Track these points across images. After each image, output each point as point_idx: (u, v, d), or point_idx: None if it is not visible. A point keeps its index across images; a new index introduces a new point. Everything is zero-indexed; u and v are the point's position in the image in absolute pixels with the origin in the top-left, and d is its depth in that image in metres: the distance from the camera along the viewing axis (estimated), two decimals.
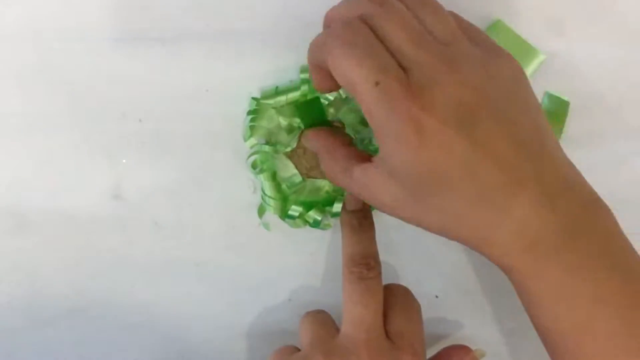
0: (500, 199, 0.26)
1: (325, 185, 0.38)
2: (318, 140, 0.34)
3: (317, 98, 0.36)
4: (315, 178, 0.37)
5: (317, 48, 0.30)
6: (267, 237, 0.38)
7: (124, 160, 0.37)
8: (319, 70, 0.30)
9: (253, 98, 0.37)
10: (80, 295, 0.38)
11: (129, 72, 0.37)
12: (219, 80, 0.37)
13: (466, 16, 0.37)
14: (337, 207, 0.37)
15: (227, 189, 0.38)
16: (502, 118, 0.27)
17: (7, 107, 0.37)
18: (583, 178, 0.29)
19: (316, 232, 0.38)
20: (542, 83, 0.38)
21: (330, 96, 0.37)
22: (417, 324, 0.33)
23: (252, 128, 0.37)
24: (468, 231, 0.28)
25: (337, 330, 0.33)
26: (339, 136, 0.34)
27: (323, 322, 0.34)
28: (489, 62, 0.28)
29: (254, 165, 0.37)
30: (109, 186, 0.38)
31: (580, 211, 0.27)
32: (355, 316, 0.32)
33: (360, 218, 0.35)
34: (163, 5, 0.37)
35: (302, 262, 0.38)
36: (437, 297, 0.39)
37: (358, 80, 0.26)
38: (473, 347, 0.35)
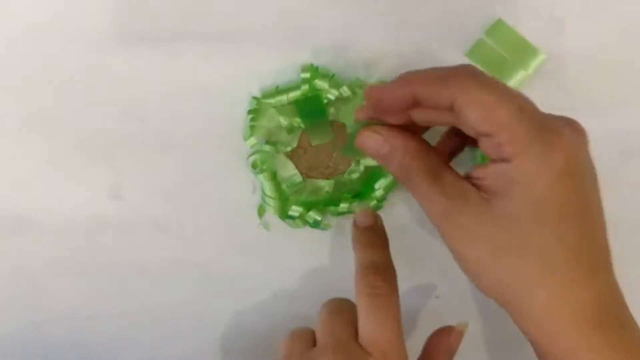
0: (581, 277, 0.27)
1: (325, 185, 0.37)
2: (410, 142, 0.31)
3: (318, 95, 0.36)
4: (316, 178, 0.37)
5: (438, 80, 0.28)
6: (267, 237, 0.38)
7: (124, 161, 0.37)
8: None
9: (254, 97, 0.37)
10: (80, 295, 0.38)
11: (129, 72, 0.37)
12: (219, 80, 0.37)
13: (466, 16, 0.37)
14: (343, 206, 0.37)
15: (227, 189, 0.38)
16: (600, 211, 0.28)
17: (7, 107, 0.37)
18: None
19: (316, 232, 0.38)
20: (542, 83, 0.38)
21: (331, 95, 0.37)
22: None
23: (252, 127, 0.37)
24: (534, 298, 0.27)
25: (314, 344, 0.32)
26: (433, 149, 0.31)
27: (300, 336, 0.32)
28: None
29: (254, 165, 0.37)
30: (109, 186, 0.38)
31: (628, 311, 0.29)
32: (368, 333, 0.30)
33: (371, 235, 0.33)
34: (163, 5, 0.37)
35: (302, 262, 0.38)
36: (437, 297, 0.39)
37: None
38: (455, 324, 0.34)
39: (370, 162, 0.37)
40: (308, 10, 0.37)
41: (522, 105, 0.26)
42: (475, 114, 0.26)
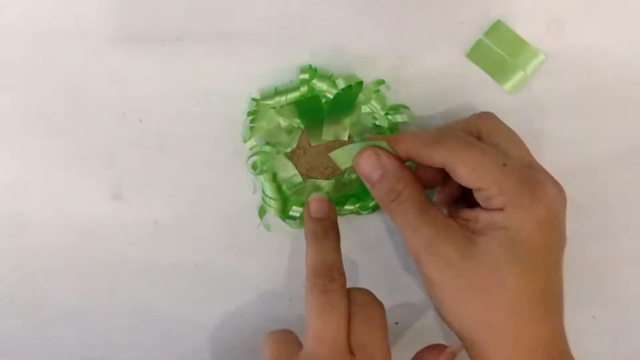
0: (540, 314, 0.30)
1: (325, 185, 0.38)
2: (404, 179, 0.32)
3: (317, 96, 0.36)
4: (316, 178, 0.37)
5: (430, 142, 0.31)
6: (267, 237, 0.38)
7: (124, 161, 0.37)
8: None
9: (253, 99, 0.37)
10: (80, 295, 0.38)
11: (129, 72, 0.37)
12: (219, 80, 0.37)
13: (466, 16, 0.37)
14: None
15: (227, 189, 0.38)
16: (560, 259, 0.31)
17: (7, 107, 0.37)
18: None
19: None
20: (542, 83, 0.38)
21: (330, 94, 0.37)
22: (379, 331, 0.31)
23: (251, 129, 0.37)
24: (501, 331, 0.30)
25: (300, 348, 0.32)
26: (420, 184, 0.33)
27: (284, 340, 0.32)
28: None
29: (254, 167, 0.37)
30: (109, 186, 0.38)
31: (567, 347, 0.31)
32: (317, 331, 0.31)
33: (326, 227, 0.34)
34: (163, 5, 0.37)
35: (302, 262, 0.38)
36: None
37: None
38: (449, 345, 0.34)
39: None
40: (308, 10, 0.37)
41: (505, 162, 0.30)
42: (466, 173, 0.30)
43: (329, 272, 0.32)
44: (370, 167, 0.32)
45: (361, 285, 0.33)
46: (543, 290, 0.30)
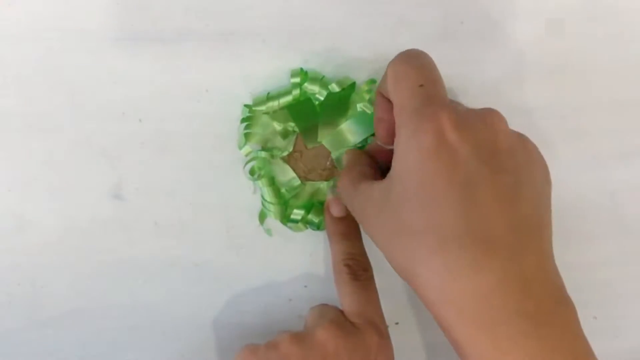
0: (468, 260, 0.25)
1: (324, 187, 0.37)
2: (347, 154, 0.35)
3: (309, 99, 0.36)
4: (314, 180, 0.37)
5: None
6: (266, 238, 0.38)
7: (124, 161, 0.37)
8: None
9: (245, 105, 0.37)
10: (80, 295, 0.38)
11: (129, 72, 0.37)
12: (219, 80, 0.37)
13: (466, 16, 0.37)
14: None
15: (227, 189, 0.38)
16: (515, 194, 0.26)
17: (7, 107, 0.37)
18: (561, 278, 0.27)
19: (316, 232, 0.38)
20: (542, 83, 0.38)
21: (322, 96, 0.37)
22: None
23: (246, 135, 0.37)
24: (425, 284, 0.26)
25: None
26: (367, 158, 0.34)
27: (261, 350, 0.33)
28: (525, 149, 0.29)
29: (252, 172, 0.37)
30: (109, 186, 0.38)
31: (551, 304, 0.25)
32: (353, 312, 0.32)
33: (349, 224, 0.35)
34: (163, 5, 0.37)
35: (301, 262, 0.38)
36: None
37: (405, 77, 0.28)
38: None
39: None
40: (308, 10, 0.37)
41: (422, 84, 0.27)
42: (391, 85, 0.28)
43: (363, 264, 0.33)
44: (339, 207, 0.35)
45: None
46: (465, 228, 0.25)
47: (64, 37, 0.37)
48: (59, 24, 0.37)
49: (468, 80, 0.38)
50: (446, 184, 0.25)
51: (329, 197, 0.37)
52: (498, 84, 0.38)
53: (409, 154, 0.26)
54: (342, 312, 0.33)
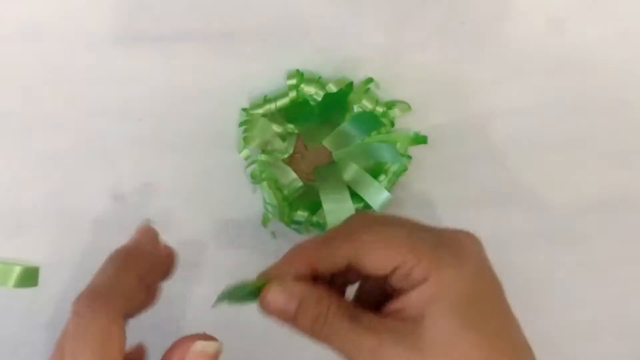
0: None
1: None
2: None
3: (306, 101, 0.36)
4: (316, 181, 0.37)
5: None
6: (267, 237, 0.38)
7: (124, 161, 0.37)
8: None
9: (243, 109, 0.37)
10: None
11: (129, 72, 0.37)
12: (219, 80, 0.37)
13: (466, 16, 0.37)
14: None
15: (227, 189, 0.38)
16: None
17: (7, 107, 0.37)
18: None
19: (316, 232, 0.38)
20: (542, 83, 0.38)
21: (318, 97, 0.37)
22: None
23: (245, 139, 0.37)
24: None
25: None
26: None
27: None
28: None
29: (253, 176, 0.37)
30: (109, 186, 0.38)
31: None
32: None
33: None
34: (163, 5, 0.37)
35: None
36: None
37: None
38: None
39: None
40: (308, 10, 0.37)
41: (408, 233, 0.27)
42: (374, 258, 0.26)
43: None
44: (283, 302, 0.28)
45: None
46: (501, 344, 0.26)
47: (64, 37, 0.37)
48: (59, 24, 0.37)
49: (468, 80, 0.38)
50: (489, 302, 0.27)
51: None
52: (498, 84, 0.38)
53: (458, 283, 0.26)
54: None
